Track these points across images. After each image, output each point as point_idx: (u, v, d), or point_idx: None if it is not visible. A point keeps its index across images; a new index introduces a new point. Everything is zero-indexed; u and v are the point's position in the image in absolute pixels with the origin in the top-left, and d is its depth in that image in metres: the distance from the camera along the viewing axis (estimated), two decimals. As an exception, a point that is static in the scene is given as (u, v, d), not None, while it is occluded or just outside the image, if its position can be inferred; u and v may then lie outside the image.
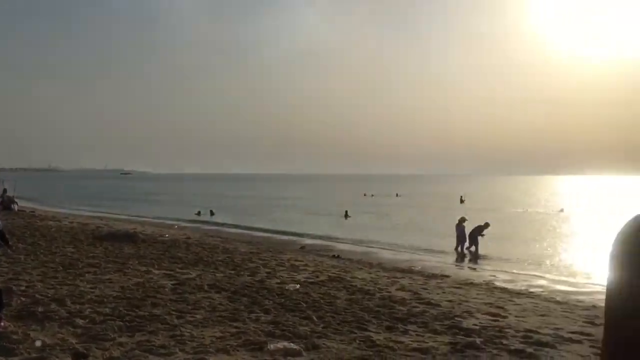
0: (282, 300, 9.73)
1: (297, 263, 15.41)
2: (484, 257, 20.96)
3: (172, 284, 10.75)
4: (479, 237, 22.30)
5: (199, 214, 40.22)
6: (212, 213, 40.36)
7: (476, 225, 22.51)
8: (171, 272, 12.31)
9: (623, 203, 59.66)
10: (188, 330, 7.36)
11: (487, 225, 22.64)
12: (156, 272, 12.31)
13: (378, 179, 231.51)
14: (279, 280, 11.97)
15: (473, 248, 22.27)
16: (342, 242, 24.83)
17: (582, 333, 8.32)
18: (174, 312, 8.33)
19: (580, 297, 13.02)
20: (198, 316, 8.19)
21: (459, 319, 8.89)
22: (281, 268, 14.15)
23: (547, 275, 17.24)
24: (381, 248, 23.04)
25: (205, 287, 10.57)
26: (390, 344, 7.09)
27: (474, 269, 18.49)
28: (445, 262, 19.65)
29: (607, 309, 1.46)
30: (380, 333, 7.72)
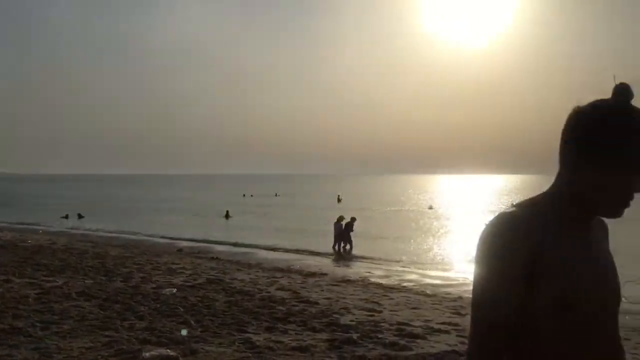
0: (158, 305, 9.41)
1: (174, 266, 14.98)
2: (360, 255, 21.62)
3: (35, 294, 10.01)
4: (351, 233, 23.01)
5: (66, 217, 37.88)
6: (80, 216, 38.15)
7: (345, 223, 23.16)
8: (35, 281, 11.47)
9: (492, 201, 64.23)
10: (54, 342, 6.89)
11: (353, 219, 23.38)
12: (17, 280, 11.41)
13: (256, 179, 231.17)
14: (154, 285, 11.56)
15: (348, 246, 22.94)
16: (222, 244, 24.50)
17: (449, 323, 8.82)
18: (38, 324, 7.76)
19: (448, 290, 13.83)
20: (65, 327, 7.69)
21: (337, 315, 9.09)
22: (157, 272, 13.69)
23: (418, 270, 18.11)
24: (261, 249, 23.01)
25: (74, 295, 9.96)
26: (270, 345, 7.10)
27: (350, 266, 19.02)
28: (323, 260, 20.02)
29: (472, 300, 1.55)
30: (260, 334, 7.70)
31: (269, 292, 11.23)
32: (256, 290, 11.43)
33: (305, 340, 7.38)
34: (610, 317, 1.55)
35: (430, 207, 52.09)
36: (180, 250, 21.07)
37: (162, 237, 27.48)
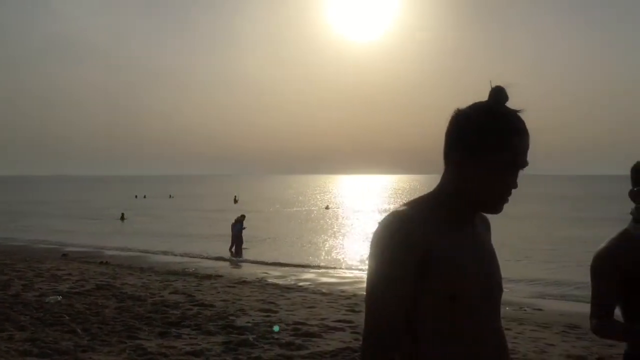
0: (41, 314, 8.84)
1: (59, 272, 14.15)
2: (257, 255, 21.52)
3: None
4: (243, 231, 22.85)
5: None
6: None
7: (236, 223, 22.96)
8: None
9: (386, 200, 66.27)
10: None
11: (243, 217, 23.26)
12: None
13: (148, 180, 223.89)
14: (37, 293, 10.85)
15: (244, 245, 22.80)
16: (112, 248, 23.48)
17: (344, 321, 8.98)
18: None
19: (344, 288, 14.10)
20: None
21: (233, 317, 8.98)
22: (40, 279, 12.86)
23: (315, 269, 18.33)
24: (154, 253, 22.28)
25: (-56, 307, 9.12)
26: (163, 350, 6.88)
27: (247, 267, 18.89)
28: (219, 262, 19.75)
29: (366, 298, 1.57)
30: (152, 340, 7.44)
31: (162, 296, 10.90)
32: (148, 294, 11.05)
33: (199, 344, 7.23)
34: (494, 308, 1.62)
35: (327, 207, 52.90)
36: (65, 255, 19.96)
37: (45, 242, 25.91)
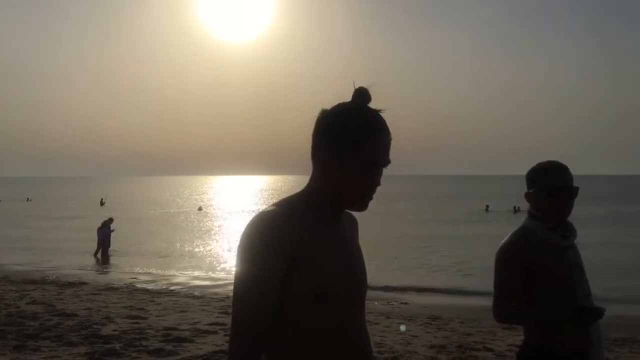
0: None
1: None
2: (125, 260, 20.61)
3: None
4: (110, 235, 21.77)
5: None
6: None
7: (103, 227, 21.84)
8: None
9: (257, 200, 66.16)
10: None
11: (110, 220, 22.20)
12: None
13: (2, 181, 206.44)
14: None
15: (111, 250, 21.73)
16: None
17: (217, 324, 8.85)
18: None
19: (216, 290, 13.91)
20: None
21: (98, 326, 8.52)
22: None
23: (187, 272, 17.92)
24: (8, 264, 20.53)
25: None
26: (18, 365, 6.36)
27: (114, 272, 18.03)
28: (84, 268, 18.66)
29: (233, 299, 1.55)
30: (6, 354, 6.85)
31: (18, 307, 10.08)
32: (2, 306, 10.18)
33: (60, 356, 6.77)
34: (360, 305, 1.67)
35: (200, 209, 51.90)
36: None
37: None
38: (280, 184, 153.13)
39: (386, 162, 1.62)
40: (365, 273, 1.72)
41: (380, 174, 1.63)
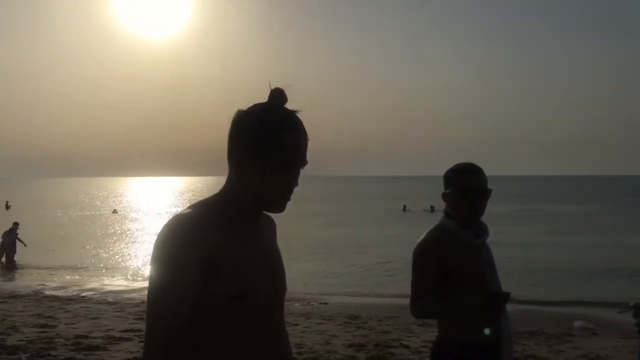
0: None
1: None
2: (33, 265, 19.57)
3: None
4: (17, 241, 20.61)
5: None
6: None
7: (9, 232, 20.67)
8: None
9: (175, 203, 64.66)
10: None
11: (16, 224, 21.02)
12: None
13: None
14: None
15: (17, 255, 20.56)
16: None
17: (132, 330, 8.57)
18: None
19: (131, 295, 13.47)
20: None
21: (3, 336, 8.03)
22: None
23: (100, 278, 17.26)
24: None
25: None
26: None
27: (20, 279, 17.09)
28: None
29: (148, 304, 1.50)
30: None
31: None
32: None
33: (-41, 371, 6.33)
34: (279, 307, 1.67)
35: (115, 211, 50.13)
36: None
37: None
38: (200, 185, 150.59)
39: (303, 162, 1.62)
40: (284, 275, 1.71)
41: (297, 174, 1.62)
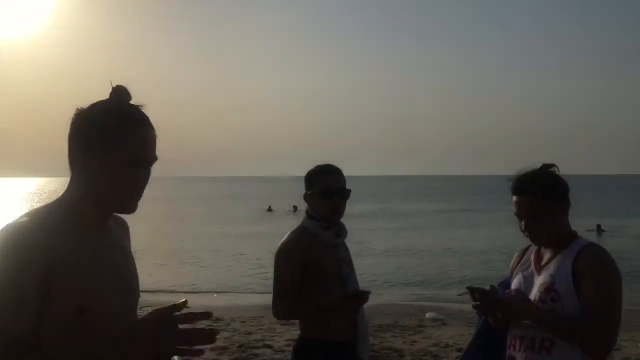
0: None
1: None
2: None
3: None
4: None
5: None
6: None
7: None
8: None
9: (21, 207, 59.60)
10: None
11: None
12: None
13: None
14: None
15: None
16: None
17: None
18: None
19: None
20: None
21: None
22: None
23: None
24: None
25: None
26: None
27: None
28: None
29: None
30: None
31: None
32: None
33: None
34: (130, 315, 1.59)
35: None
36: None
37: None
38: (54, 186, 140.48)
39: (152, 158, 1.55)
40: (136, 281, 1.64)
41: (147, 171, 1.55)
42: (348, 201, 2.85)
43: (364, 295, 2.69)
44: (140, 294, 1.66)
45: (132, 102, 1.54)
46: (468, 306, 2.25)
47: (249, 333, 8.67)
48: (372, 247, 22.76)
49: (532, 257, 2.33)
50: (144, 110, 1.55)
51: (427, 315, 10.82)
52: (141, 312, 1.63)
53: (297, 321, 2.91)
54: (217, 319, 10.05)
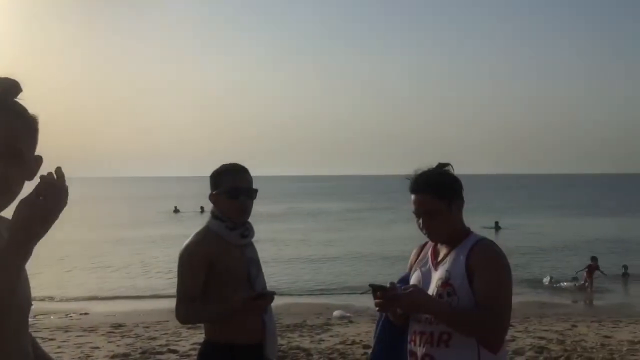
0: None
1: None
2: None
3: None
4: None
5: None
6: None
7: None
8: None
9: None
10: None
11: None
12: None
13: None
14: None
15: None
16: None
17: None
18: None
19: None
20: None
21: None
22: None
23: None
24: None
25: None
26: None
27: None
28: None
29: None
30: None
31: None
32: None
33: None
34: (21, 323, 1.48)
35: None
36: None
37: None
38: None
39: (17, 152, 1.36)
40: (28, 289, 1.51)
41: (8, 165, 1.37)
42: (255, 201, 2.81)
43: (268, 296, 2.66)
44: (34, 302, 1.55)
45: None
46: (373, 303, 2.28)
47: (153, 338, 8.40)
48: (284, 245, 22.78)
49: (429, 253, 2.40)
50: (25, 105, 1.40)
51: (335, 313, 10.97)
52: (36, 321, 1.52)
53: (203, 324, 2.84)
54: (119, 325, 9.67)
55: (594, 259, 15.53)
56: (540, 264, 19.03)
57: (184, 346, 7.74)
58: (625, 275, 16.37)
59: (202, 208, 40.27)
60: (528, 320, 10.01)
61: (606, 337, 8.31)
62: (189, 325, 8.66)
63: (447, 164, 2.38)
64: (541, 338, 8.08)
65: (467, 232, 2.33)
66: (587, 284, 15.04)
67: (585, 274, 15.15)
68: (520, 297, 12.14)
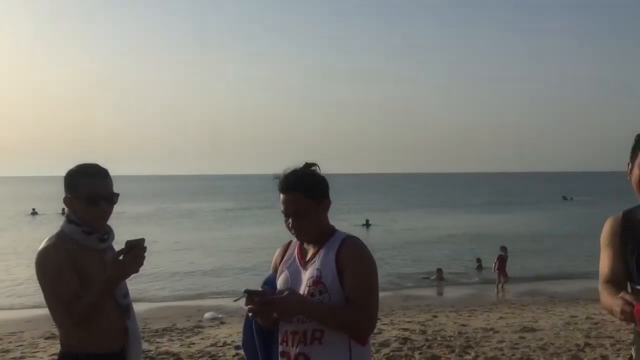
0: None
1: None
2: None
3: None
4: None
5: None
6: None
7: None
8: None
9: None
10: None
11: None
12: None
13: None
14: None
15: None
16: None
17: None
18: None
19: None
20: None
21: None
22: None
23: None
24: None
25: None
26: None
27: None
28: None
29: None
30: None
31: None
32: None
33: None
34: None
35: None
36: None
37: None
38: None
39: None
40: None
41: None
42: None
43: (140, 243, 2.46)
44: None
45: None
46: (247, 309, 2.25)
47: (7, 351, 7.76)
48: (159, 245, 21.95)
49: (296, 253, 2.42)
50: None
51: (206, 315, 10.78)
52: None
53: (58, 335, 2.64)
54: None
55: (503, 248, 15.19)
56: (404, 257, 20.08)
57: (41, 358, 7.24)
58: (479, 267, 17.65)
59: (63, 210, 37.87)
60: (393, 312, 10.47)
61: (463, 325, 8.91)
62: (48, 335, 8.10)
63: (314, 164, 2.41)
64: (405, 329, 8.47)
65: (333, 230, 2.38)
66: (496, 271, 14.64)
67: (496, 264, 14.73)
68: (386, 291, 12.70)
